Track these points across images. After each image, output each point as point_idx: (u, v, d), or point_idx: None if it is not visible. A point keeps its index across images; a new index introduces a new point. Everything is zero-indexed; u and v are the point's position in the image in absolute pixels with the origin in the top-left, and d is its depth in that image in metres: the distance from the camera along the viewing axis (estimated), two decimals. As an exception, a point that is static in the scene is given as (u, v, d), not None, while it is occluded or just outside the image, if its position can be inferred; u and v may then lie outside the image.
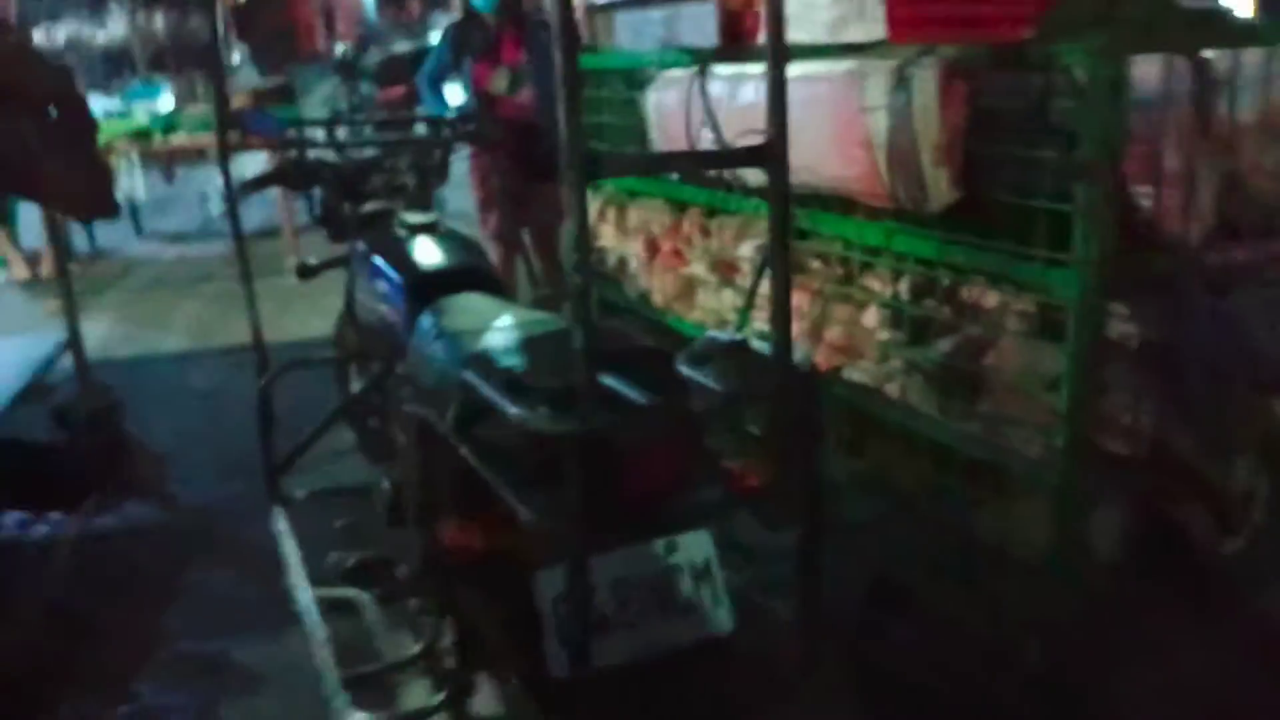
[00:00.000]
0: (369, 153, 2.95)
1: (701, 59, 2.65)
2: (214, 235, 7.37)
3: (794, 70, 1.64)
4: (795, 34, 1.71)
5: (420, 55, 6.29)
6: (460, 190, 4.44)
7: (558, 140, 1.30)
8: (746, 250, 2.57)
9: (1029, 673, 1.85)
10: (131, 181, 7.35)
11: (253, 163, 6.23)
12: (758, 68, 2.00)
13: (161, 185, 8.39)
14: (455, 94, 4.57)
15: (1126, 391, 1.83)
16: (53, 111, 2.08)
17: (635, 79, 3.08)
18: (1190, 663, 1.88)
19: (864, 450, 2.26)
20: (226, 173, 3.09)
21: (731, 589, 1.55)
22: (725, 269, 2.69)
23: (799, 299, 2.24)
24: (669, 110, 2.76)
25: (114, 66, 9.93)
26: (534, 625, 1.51)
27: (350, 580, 2.53)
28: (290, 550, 2.61)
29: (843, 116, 2.05)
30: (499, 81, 4.28)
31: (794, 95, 1.52)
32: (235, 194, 3.05)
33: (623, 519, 1.48)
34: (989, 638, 1.94)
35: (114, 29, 10.32)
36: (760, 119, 1.54)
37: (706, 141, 2.44)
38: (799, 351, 1.65)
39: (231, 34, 9.19)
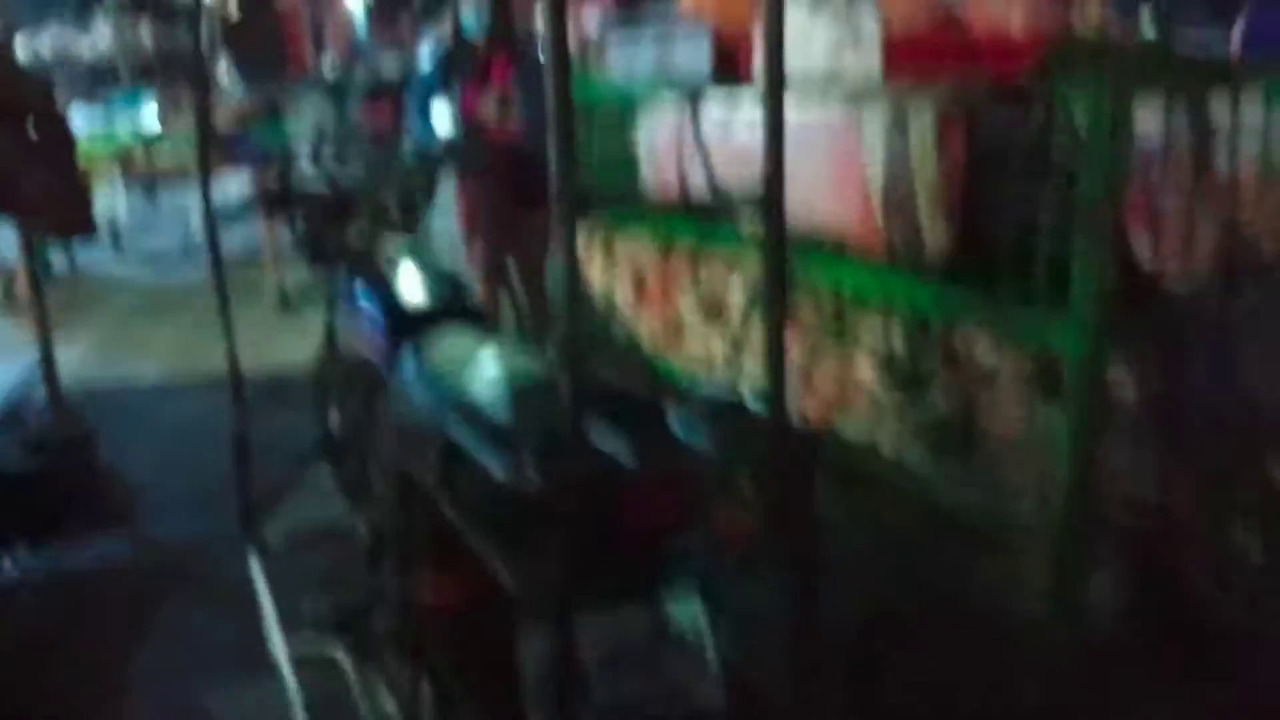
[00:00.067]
0: (354, 178, 2.90)
1: (694, 90, 2.61)
2: (195, 257, 7.28)
3: (790, 110, 1.59)
4: (790, 61, 1.67)
5: (409, 76, 6.25)
6: (447, 216, 4.39)
7: (546, 168, 1.25)
8: (735, 290, 2.53)
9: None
10: (112, 200, 7.25)
11: (236, 183, 6.15)
12: (752, 102, 1.97)
13: (142, 205, 8.30)
14: (444, 118, 4.52)
15: (1125, 447, 1.79)
16: (30, 125, 2.01)
17: (626, 108, 3.04)
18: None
19: (855, 502, 2.20)
20: (207, 199, 3.02)
21: (722, 658, 1.49)
22: (714, 310, 2.64)
23: (787, 344, 2.19)
24: (661, 142, 2.72)
25: (99, 77, 9.85)
26: (514, 686, 1.45)
27: (326, 629, 2.45)
28: (264, 594, 2.53)
29: (839, 159, 2.01)
30: (487, 108, 4.23)
31: (790, 137, 1.48)
32: (214, 221, 2.98)
33: (610, 580, 1.43)
34: (985, 684, 1.89)
35: (100, 40, 10.25)
36: (755, 156, 1.49)
37: (698, 176, 2.40)
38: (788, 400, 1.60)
39: (220, 50, 9.13)
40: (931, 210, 1.87)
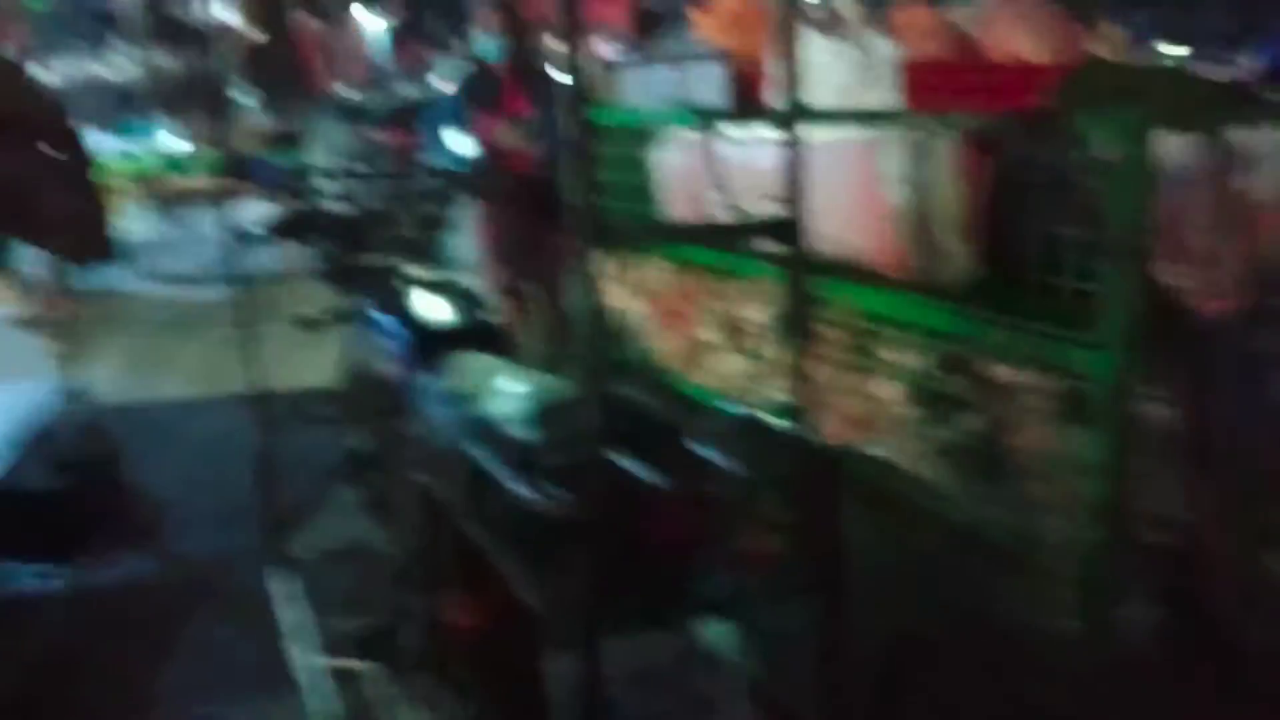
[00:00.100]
0: (374, 200, 2.94)
1: (711, 119, 2.64)
2: (217, 278, 7.34)
3: (809, 137, 1.62)
4: (807, 87, 1.70)
5: (428, 101, 6.31)
6: (466, 238, 4.42)
7: (564, 193, 1.28)
8: (756, 312, 2.54)
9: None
10: (135, 222, 7.34)
11: (256, 204, 6.23)
12: (770, 131, 1.99)
13: (165, 225, 8.39)
14: (462, 142, 4.57)
15: (1157, 476, 1.79)
16: (47, 148, 2.02)
17: (641, 136, 3.07)
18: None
19: (879, 522, 2.21)
20: (228, 221, 3.07)
21: (751, 677, 1.50)
22: (734, 332, 2.65)
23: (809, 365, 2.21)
24: (677, 171, 2.74)
25: (120, 101, 9.96)
26: (540, 706, 1.47)
27: (351, 648, 2.47)
28: (290, 613, 2.56)
29: (861, 186, 2.03)
30: (506, 133, 4.28)
31: (810, 163, 1.51)
32: (235, 244, 3.03)
33: (635, 600, 1.44)
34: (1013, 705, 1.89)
35: (120, 64, 10.37)
36: (773, 185, 1.52)
37: (716, 205, 2.42)
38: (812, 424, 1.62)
39: (240, 73, 9.22)
40: (955, 235, 1.89)
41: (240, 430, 3.31)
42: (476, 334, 2.28)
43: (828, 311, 2.35)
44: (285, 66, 9.57)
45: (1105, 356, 1.68)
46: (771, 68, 2.57)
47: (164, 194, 7.61)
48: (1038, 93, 2.01)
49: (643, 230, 2.48)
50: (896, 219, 1.97)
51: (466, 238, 4.23)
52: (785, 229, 1.54)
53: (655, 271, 3.05)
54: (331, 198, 2.99)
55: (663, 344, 2.99)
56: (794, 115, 1.51)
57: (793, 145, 1.50)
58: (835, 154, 2.08)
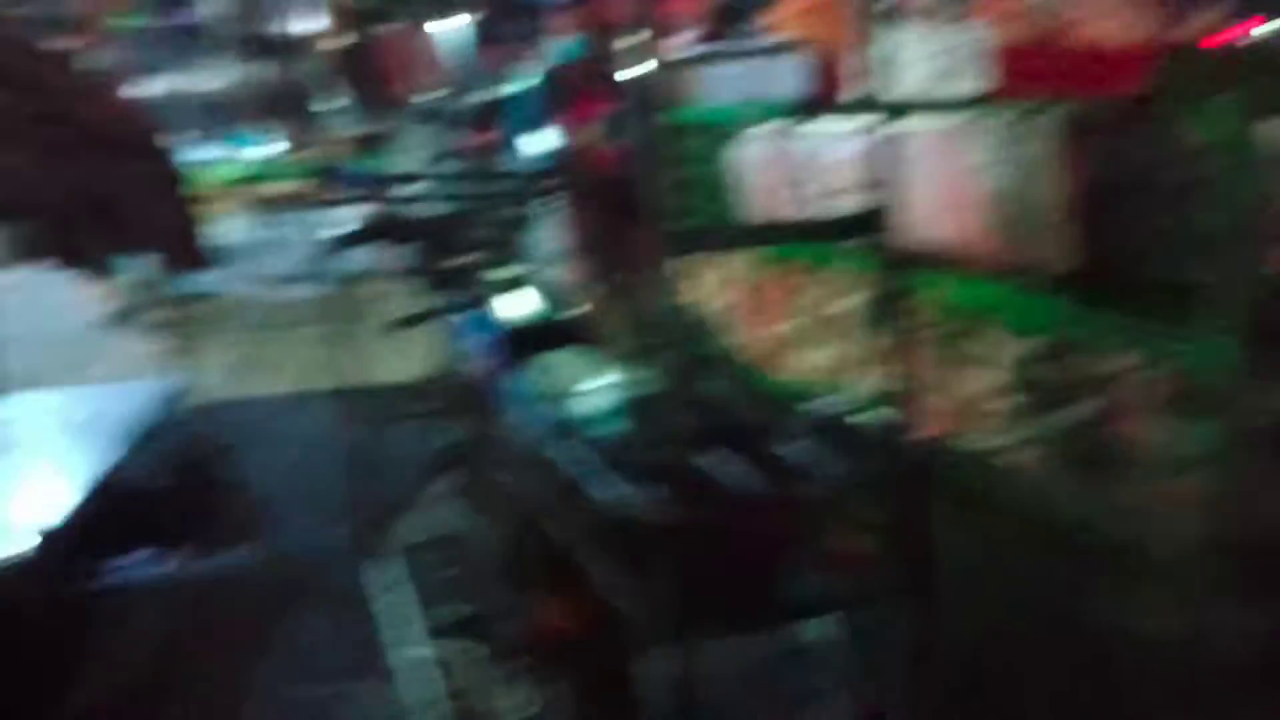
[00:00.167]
0: (462, 202, 2.98)
1: (792, 114, 2.61)
2: (311, 280, 7.55)
3: (894, 127, 1.59)
4: (894, 77, 1.66)
5: (510, 102, 6.38)
6: (554, 238, 4.46)
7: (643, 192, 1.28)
8: (843, 306, 2.51)
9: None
10: (232, 228, 7.57)
11: (347, 211, 6.38)
12: (850, 123, 1.96)
13: (261, 231, 8.64)
14: (545, 143, 4.61)
15: (1257, 467, 1.72)
16: (138, 161, 2.08)
17: (717, 134, 3.05)
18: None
19: (973, 521, 2.16)
20: (320, 225, 3.15)
21: (848, 680, 1.48)
22: (822, 326, 2.62)
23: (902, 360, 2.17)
24: (756, 167, 2.72)
25: (215, 111, 10.28)
26: (633, 711, 1.47)
27: (446, 640, 2.51)
28: (383, 605, 2.61)
29: (953, 175, 1.98)
30: (587, 133, 4.30)
31: (900, 153, 1.47)
32: (326, 248, 3.10)
33: (726, 603, 1.43)
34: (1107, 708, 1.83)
35: (214, 76, 10.69)
36: (854, 177, 1.49)
37: (796, 201, 2.39)
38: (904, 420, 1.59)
39: (332, 80, 9.43)
40: (1054, 227, 1.83)
41: (339, 427, 3.40)
42: (563, 332, 2.29)
43: (919, 303, 2.30)
44: (370, 73, 9.77)
45: (1214, 347, 1.61)
46: (853, 57, 2.52)
47: (258, 200, 7.82)
48: (1136, 77, 1.94)
49: (730, 232, 2.46)
50: (990, 208, 1.92)
51: (551, 237, 4.26)
52: (874, 220, 1.51)
53: (741, 265, 3.03)
54: (417, 200, 3.04)
55: (749, 338, 2.97)
56: (879, 106, 1.48)
57: (879, 135, 1.47)
58: (925, 143, 2.04)
